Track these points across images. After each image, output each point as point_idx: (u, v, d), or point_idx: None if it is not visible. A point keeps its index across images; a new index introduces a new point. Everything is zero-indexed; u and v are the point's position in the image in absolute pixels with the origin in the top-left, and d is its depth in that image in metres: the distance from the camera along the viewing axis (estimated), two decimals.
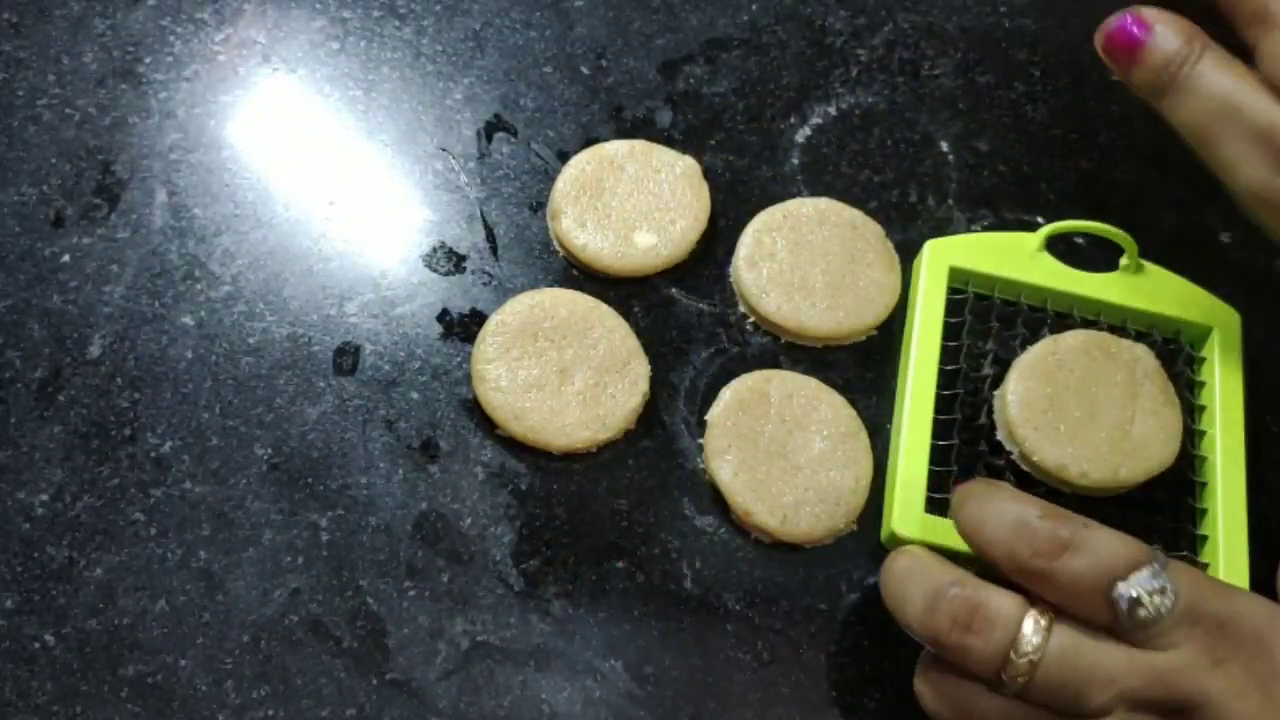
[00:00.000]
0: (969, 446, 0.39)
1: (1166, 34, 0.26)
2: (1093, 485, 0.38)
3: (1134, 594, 0.28)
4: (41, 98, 0.45)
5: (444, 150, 0.45)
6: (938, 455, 0.38)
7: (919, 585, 0.31)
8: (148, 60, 0.46)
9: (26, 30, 0.46)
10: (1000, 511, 0.30)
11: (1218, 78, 0.27)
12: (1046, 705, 0.30)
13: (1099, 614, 0.29)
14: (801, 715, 0.36)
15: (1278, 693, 0.28)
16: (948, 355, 0.40)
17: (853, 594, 0.38)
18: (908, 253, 0.43)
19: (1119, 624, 0.29)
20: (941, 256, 0.41)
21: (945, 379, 0.39)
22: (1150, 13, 0.26)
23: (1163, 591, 0.28)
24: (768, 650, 0.37)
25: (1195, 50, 0.27)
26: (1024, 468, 0.39)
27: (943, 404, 0.39)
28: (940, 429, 0.38)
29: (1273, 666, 0.29)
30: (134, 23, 0.47)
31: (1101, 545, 0.29)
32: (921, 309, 0.40)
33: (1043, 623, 0.29)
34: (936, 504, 0.37)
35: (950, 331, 0.40)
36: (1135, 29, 0.26)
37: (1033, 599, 0.30)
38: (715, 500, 0.39)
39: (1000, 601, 0.30)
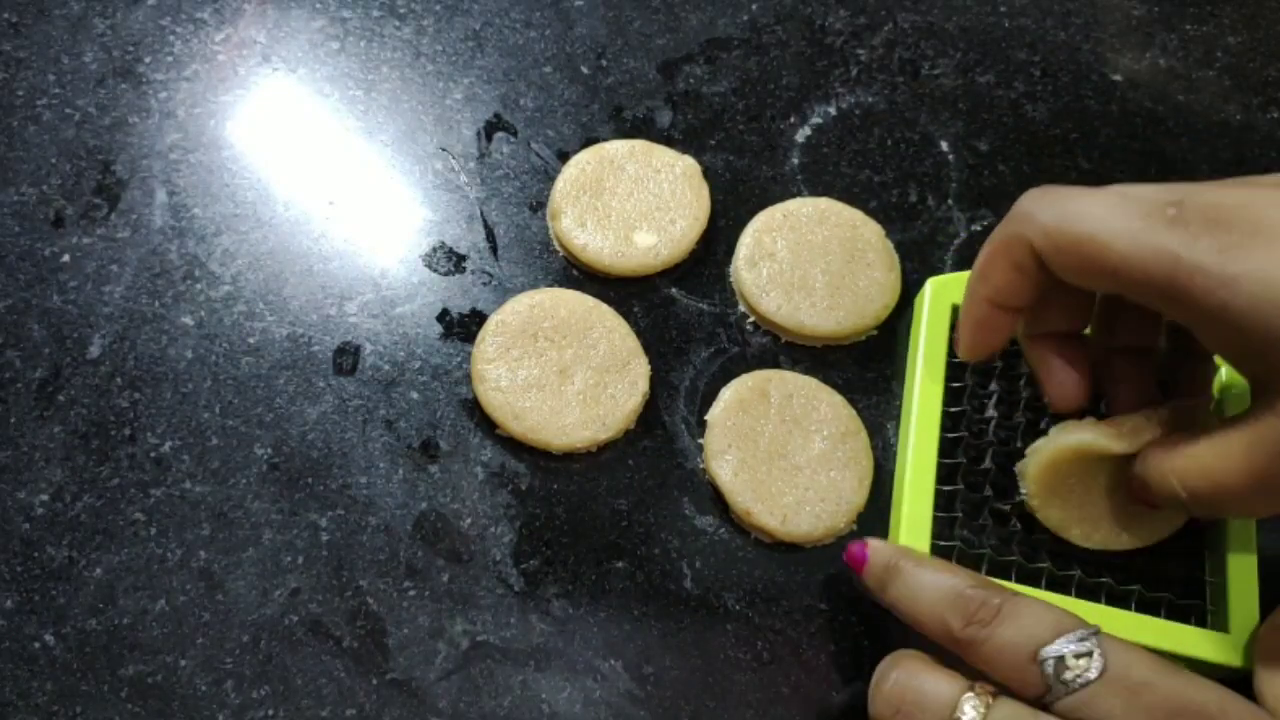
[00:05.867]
0: (973, 492, 0.38)
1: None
2: (1096, 547, 0.36)
3: (1059, 653, 0.29)
4: (41, 98, 0.45)
5: (444, 150, 0.45)
6: (942, 500, 0.37)
7: (876, 673, 0.32)
8: (148, 60, 0.46)
9: (26, 30, 0.46)
10: (934, 582, 0.32)
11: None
12: None
13: (1030, 682, 0.29)
14: (801, 715, 0.36)
15: None
16: (950, 396, 0.39)
17: (853, 594, 0.38)
18: (908, 253, 0.43)
19: (1050, 692, 0.29)
20: (944, 296, 0.40)
21: (949, 421, 0.38)
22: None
23: (1089, 655, 0.29)
24: (768, 650, 0.37)
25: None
26: (1029, 507, 0.37)
27: (947, 446, 0.38)
28: (944, 473, 0.37)
29: None
30: (134, 23, 0.47)
31: (1030, 614, 0.30)
32: (924, 352, 0.39)
33: (981, 702, 0.29)
34: (940, 550, 0.36)
35: (953, 372, 0.39)
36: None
37: (974, 681, 0.30)
38: (715, 500, 0.39)
39: (935, 684, 0.30)
